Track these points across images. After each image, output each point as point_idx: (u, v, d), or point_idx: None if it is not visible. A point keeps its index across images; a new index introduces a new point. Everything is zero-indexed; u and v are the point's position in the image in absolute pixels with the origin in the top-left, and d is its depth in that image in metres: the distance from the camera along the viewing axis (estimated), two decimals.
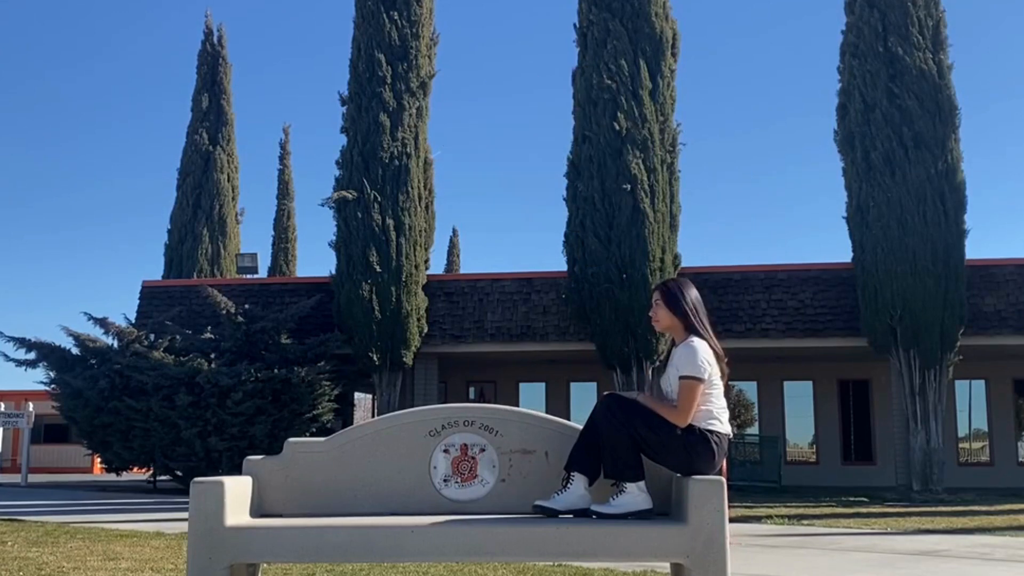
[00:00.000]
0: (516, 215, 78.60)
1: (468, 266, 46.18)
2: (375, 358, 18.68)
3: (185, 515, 4.11)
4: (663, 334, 4.41)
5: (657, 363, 17.69)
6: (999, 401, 22.56)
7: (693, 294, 4.27)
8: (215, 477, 4.06)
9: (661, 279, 17.30)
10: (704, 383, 4.02)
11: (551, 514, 3.98)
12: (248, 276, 24.67)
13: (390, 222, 18.79)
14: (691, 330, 4.17)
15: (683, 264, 18.67)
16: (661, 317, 4.27)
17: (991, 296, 18.42)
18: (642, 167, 17.89)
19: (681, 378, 4.02)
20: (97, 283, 76.32)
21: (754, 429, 22.83)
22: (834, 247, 78.93)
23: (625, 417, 4.00)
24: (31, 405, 23.65)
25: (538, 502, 3.99)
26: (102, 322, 18.87)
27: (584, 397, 22.29)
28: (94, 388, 17.49)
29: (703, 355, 4.06)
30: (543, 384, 23.36)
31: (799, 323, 18.92)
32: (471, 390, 24.14)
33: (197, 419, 17.22)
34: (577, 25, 19.19)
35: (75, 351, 18.55)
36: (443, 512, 4.15)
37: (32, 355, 18.59)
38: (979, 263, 18.31)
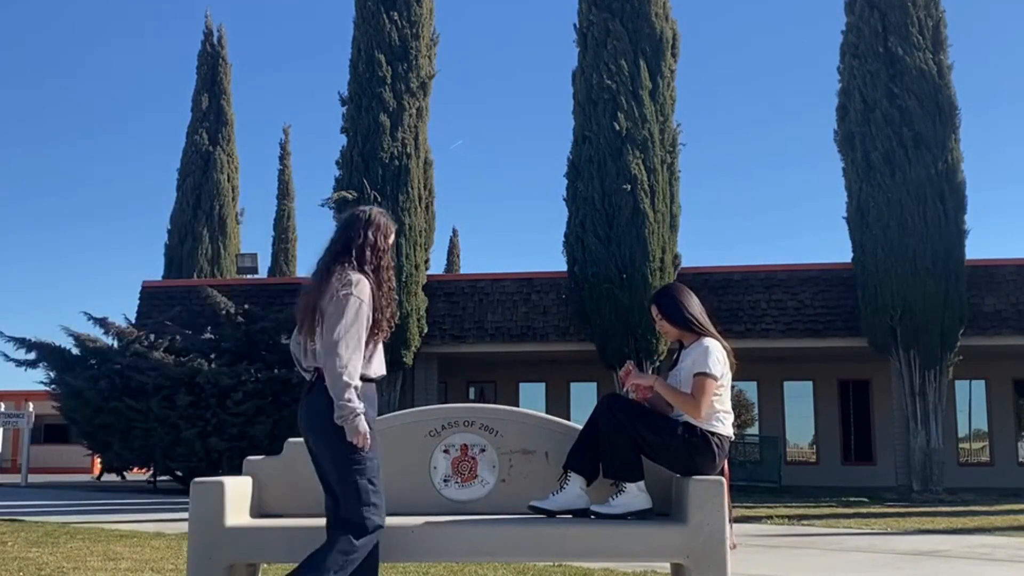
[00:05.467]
0: (516, 215, 78.65)
1: (468, 266, 46.16)
2: None
3: (185, 515, 4.11)
4: (664, 338, 4.45)
5: (658, 363, 17.68)
6: (999, 401, 22.56)
7: (690, 299, 4.29)
8: (215, 477, 4.06)
9: (661, 279, 17.34)
10: (717, 381, 4.05)
11: (546, 514, 3.98)
12: (248, 276, 24.67)
13: None
14: (699, 333, 4.21)
15: (683, 264, 18.66)
16: (667, 329, 4.31)
17: (991, 296, 18.42)
18: (642, 167, 17.89)
19: (696, 375, 4.04)
20: (97, 283, 76.35)
21: (754, 429, 22.82)
22: (834, 247, 78.90)
23: (626, 418, 4.01)
24: (31, 405, 23.67)
25: (533, 502, 3.99)
26: (102, 322, 18.86)
27: (584, 397, 22.28)
28: (94, 388, 17.47)
29: (716, 355, 4.10)
30: (543, 384, 23.35)
31: (799, 323, 18.92)
32: (471, 390, 24.13)
33: (197, 419, 17.21)
34: (577, 25, 19.19)
35: (75, 351, 18.54)
36: (443, 512, 4.15)
37: (32, 355, 18.57)
38: (979, 263, 18.30)
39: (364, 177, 18.86)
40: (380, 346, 3.71)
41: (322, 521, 3.96)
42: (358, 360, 3.53)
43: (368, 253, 3.67)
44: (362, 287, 3.57)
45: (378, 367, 3.70)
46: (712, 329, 4.23)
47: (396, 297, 3.79)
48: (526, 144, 79.88)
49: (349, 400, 3.46)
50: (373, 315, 3.60)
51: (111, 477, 24.25)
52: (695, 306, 4.26)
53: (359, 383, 3.52)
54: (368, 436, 3.50)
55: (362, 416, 3.48)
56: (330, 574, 3.42)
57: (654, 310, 4.32)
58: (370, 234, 3.70)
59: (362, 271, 3.62)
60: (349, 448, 3.51)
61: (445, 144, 76.78)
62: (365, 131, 19.08)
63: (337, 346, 3.49)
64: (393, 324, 3.72)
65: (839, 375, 22.68)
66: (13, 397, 32.26)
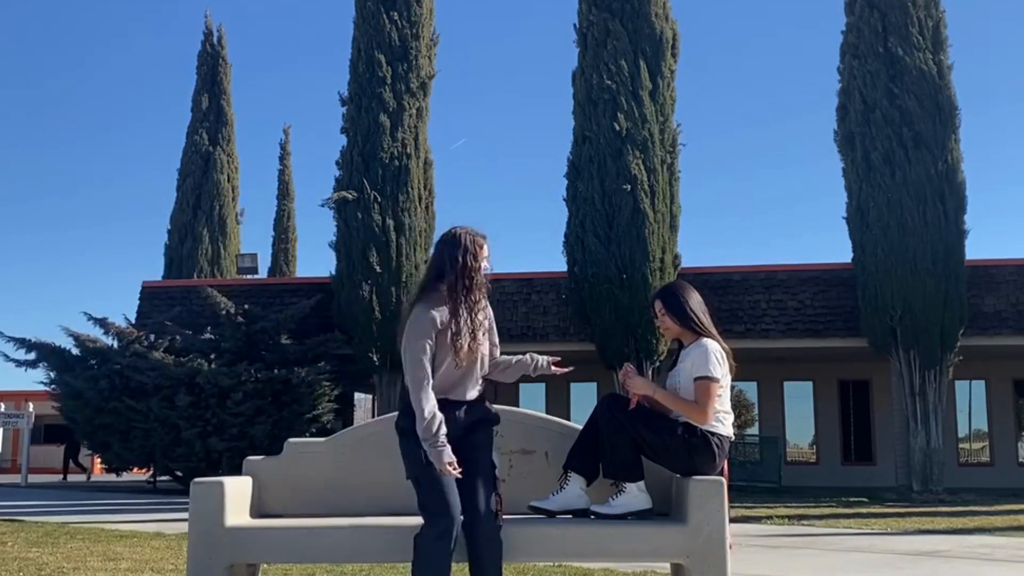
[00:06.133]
0: (516, 215, 78.65)
1: None
2: (375, 358, 18.67)
3: (185, 515, 4.11)
4: (663, 336, 4.41)
5: (658, 363, 17.68)
6: (999, 401, 22.55)
7: (694, 298, 4.27)
8: (215, 477, 4.06)
9: (661, 279, 17.34)
10: (719, 383, 4.04)
11: (547, 514, 3.98)
12: (248, 276, 24.66)
13: (390, 222, 18.78)
14: (699, 333, 4.19)
15: (683, 264, 18.65)
16: (669, 326, 4.28)
17: (991, 296, 18.41)
18: (642, 167, 17.88)
19: (697, 379, 4.03)
20: (97, 283, 76.39)
21: (754, 429, 22.82)
22: (834, 247, 78.91)
23: (626, 418, 4.00)
24: (31, 405, 23.67)
25: (533, 503, 3.99)
26: (102, 322, 18.86)
27: (584, 397, 22.27)
28: (94, 388, 17.48)
29: (716, 356, 4.08)
30: (543, 384, 23.35)
31: (799, 323, 18.91)
32: None
33: (197, 419, 17.21)
34: (577, 25, 19.19)
35: (75, 351, 18.54)
36: None
37: (32, 355, 18.58)
38: (979, 263, 18.29)
39: (364, 177, 18.86)
40: (465, 369, 3.77)
41: (321, 521, 3.98)
42: (423, 389, 3.65)
43: (458, 278, 3.76)
44: (420, 322, 3.70)
45: (447, 388, 3.75)
46: (713, 330, 4.22)
47: (485, 320, 3.87)
48: (526, 144, 79.92)
49: (424, 432, 3.62)
50: (452, 340, 3.69)
51: (110, 476, 24.23)
52: (698, 305, 4.24)
53: (427, 410, 3.63)
54: (445, 463, 3.62)
55: (437, 444, 3.61)
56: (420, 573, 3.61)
57: (658, 305, 4.30)
58: (459, 257, 3.78)
59: (452, 297, 3.73)
60: (405, 460, 3.75)
61: (445, 144, 76.83)
62: (365, 131, 19.08)
63: (407, 384, 3.72)
64: (474, 349, 3.76)
65: (839, 375, 22.67)
66: (13, 397, 32.26)
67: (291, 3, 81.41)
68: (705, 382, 4.01)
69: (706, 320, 4.22)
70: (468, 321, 3.73)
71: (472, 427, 3.83)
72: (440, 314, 3.72)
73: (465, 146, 72.36)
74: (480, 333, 3.80)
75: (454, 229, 3.90)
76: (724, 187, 73.21)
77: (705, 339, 4.15)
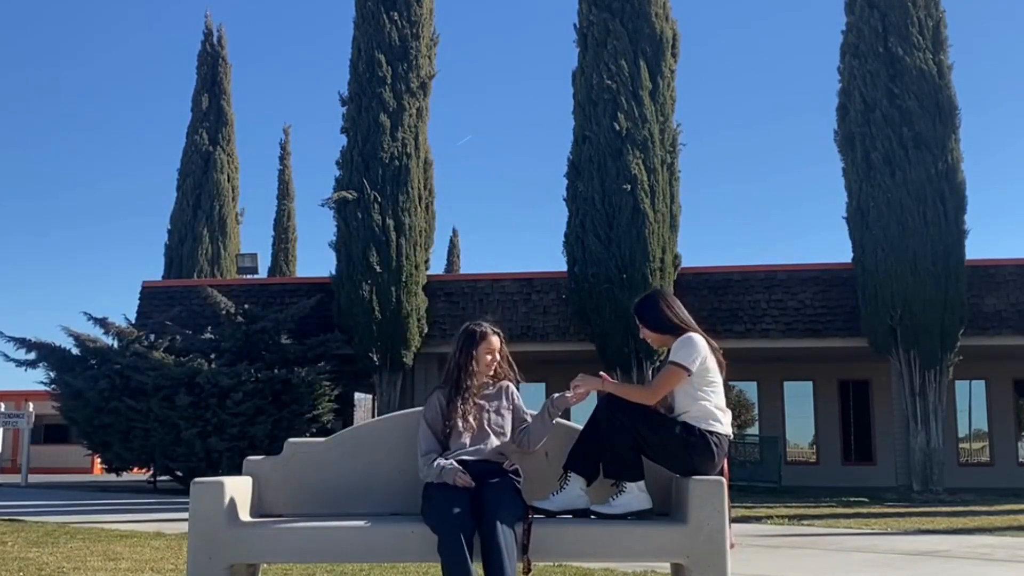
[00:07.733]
0: (516, 215, 78.66)
1: (468, 267, 46.14)
2: (375, 358, 18.68)
3: (185, 515, 4.11)
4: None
5: (657, 363, 17.67)
6: (999, 401, 22.55)
7: (665, 305, 4.26)
8: (215, 477, 4.05)
9: (661, 279, 17.34)
10: (689, 374, 4.03)
11: (546, 514, 3.97)
12: (248, 276, 24.67)
13: (390, 222, 18.78)
14: (677, 333, 4.18)
15: (683, 264, 18.63)
16: (650, 337, 4.31)
17: (991, 296, 18.41)
18: (642, 167, 17.88)
19: (667, 362, 4.03)
20: (97, 283, 76.37)
21: (754, 429, 22.81)
22: (834, 247, 78.95)
23: (626, 417, 4.00)
24: (31, 405, 23.64)
25: (533, 502, 3.99)
26: (102, 322, 18.87)
27: None
28: (94, 388, 17.48)
29: (696, 347, 4.07)
30: (543, 384, 23.34)
31: (799, 323, 18.91)
32: None
33: (197, 419, 17.21)
34: (577, 25, 19.19)
35: (75, 351, 18.54)
36: None
37: (32, 355, 18.58)
38: (979, 263, 18.30)
39: (364, 177, 18.86)
40: (465, 437, 4.13)
41: (321, 521, 3.99)
42: (420, 455, 4.13)
43: (449, 370, 4.28)
44: (426, 405, 4.27)
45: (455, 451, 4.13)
46: (694, 326, 4.21)
47: (498, 401, 4.25)
48: (526, 144, 79.93)
49: (431, 473, 4.04)
50: (444, 421, 4.15)
51: (110, 476, 24.19)
52: (669, 307, 4.23)
53: (424, 463, 4.10)
54: (455, 473, 3.96)
55: (444, 469, 3.99)
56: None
57: (636, 319, 4.33)
58: (457, 350, 4.28)
59: (450, 383, 4.23)
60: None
61: (445, 144, 76.84)
62: (365, 131, 19.08)
63: None
64: (462, 423, 4.13)
65: (839, 375, 22.66)
66: (13, 397, 32.25)
67: (291, 3, 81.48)
68: (673, 367, 4.03)
69: (681, 318, 4.21)
70: (464, 402, 4.14)
71: (485, 473, 4.01)
72: (443, 396, 4.20)
73: (466, 146, 72.39)
74: (479, 412, 4.15)
75: (466, 324, 4.36)
76: (724, 187, 73.26)
77: (689, 332, 4.14)
